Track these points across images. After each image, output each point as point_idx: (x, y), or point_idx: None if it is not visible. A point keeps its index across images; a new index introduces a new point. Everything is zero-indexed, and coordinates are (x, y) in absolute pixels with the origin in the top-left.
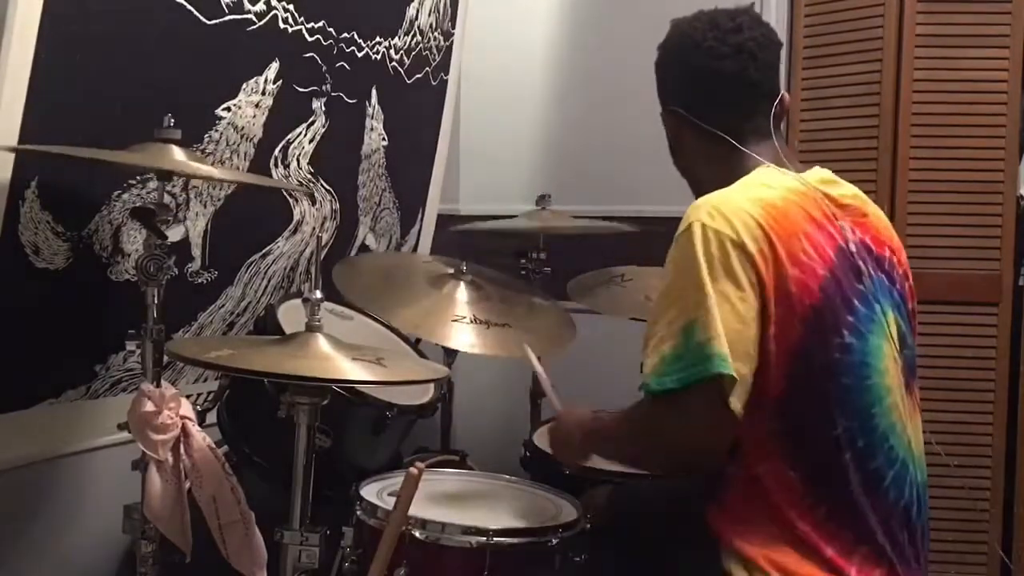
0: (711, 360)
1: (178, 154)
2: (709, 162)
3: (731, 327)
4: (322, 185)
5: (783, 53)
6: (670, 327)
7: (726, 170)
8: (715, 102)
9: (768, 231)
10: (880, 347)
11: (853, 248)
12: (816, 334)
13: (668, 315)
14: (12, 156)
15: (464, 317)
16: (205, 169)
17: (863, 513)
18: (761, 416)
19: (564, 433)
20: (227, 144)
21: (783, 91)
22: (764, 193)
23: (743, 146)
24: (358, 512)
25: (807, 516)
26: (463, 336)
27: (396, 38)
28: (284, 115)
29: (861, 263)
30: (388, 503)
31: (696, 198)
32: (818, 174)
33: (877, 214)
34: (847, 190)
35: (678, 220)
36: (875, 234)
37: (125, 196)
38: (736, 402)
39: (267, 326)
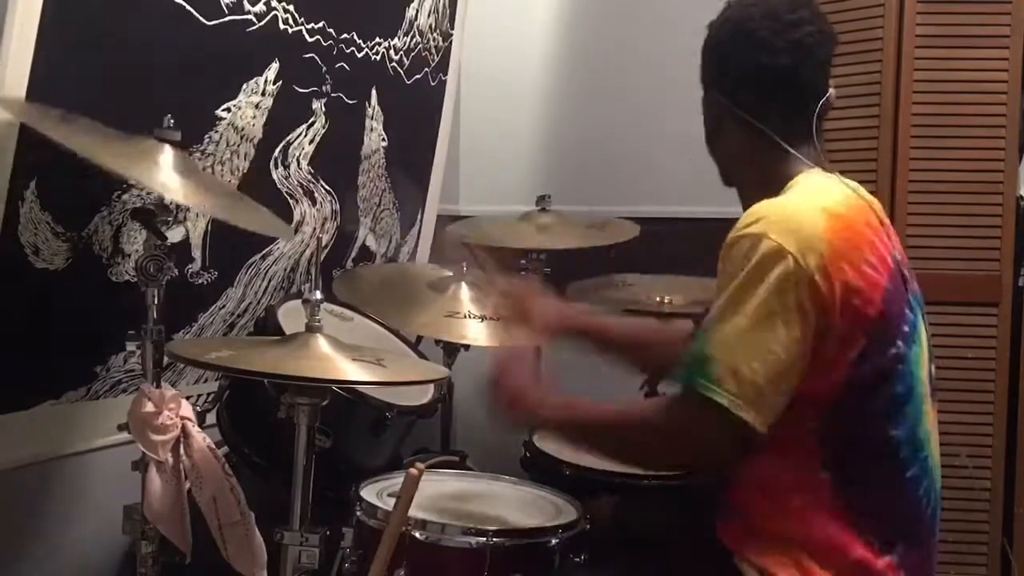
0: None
1: (175, 158)
2: (749, 158)
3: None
4: (322, 186)
5: None
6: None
7: (768, 170)
8: (762, 97)
9: (835, 245)
10: (920, 356)
11: (899, 256)
12: (877, 343)
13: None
14: (12, 157)
15: (474, 315)
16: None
17: (896, 518)
18: (810, 415)
19: (528, 396)
20: (227, 145)
21: (831, 88)
22: (827, 202)
23: (788, 145)
24: (358, 513)
25: (836, 518)
26: (476, 331)
27: (396, 39)
28: (284, 116)
29: (905, 272)
30: (388, 504)
31: (726, 183)
32: (850, 182)
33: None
34: (874, 200)
35: (678, 220)
36: (899, 243)
37: (125, 196)
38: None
39: (267, 327)
